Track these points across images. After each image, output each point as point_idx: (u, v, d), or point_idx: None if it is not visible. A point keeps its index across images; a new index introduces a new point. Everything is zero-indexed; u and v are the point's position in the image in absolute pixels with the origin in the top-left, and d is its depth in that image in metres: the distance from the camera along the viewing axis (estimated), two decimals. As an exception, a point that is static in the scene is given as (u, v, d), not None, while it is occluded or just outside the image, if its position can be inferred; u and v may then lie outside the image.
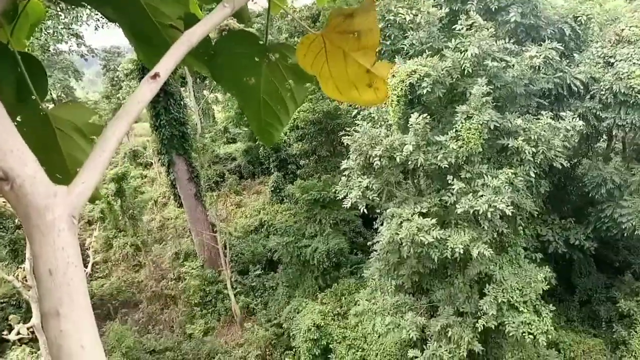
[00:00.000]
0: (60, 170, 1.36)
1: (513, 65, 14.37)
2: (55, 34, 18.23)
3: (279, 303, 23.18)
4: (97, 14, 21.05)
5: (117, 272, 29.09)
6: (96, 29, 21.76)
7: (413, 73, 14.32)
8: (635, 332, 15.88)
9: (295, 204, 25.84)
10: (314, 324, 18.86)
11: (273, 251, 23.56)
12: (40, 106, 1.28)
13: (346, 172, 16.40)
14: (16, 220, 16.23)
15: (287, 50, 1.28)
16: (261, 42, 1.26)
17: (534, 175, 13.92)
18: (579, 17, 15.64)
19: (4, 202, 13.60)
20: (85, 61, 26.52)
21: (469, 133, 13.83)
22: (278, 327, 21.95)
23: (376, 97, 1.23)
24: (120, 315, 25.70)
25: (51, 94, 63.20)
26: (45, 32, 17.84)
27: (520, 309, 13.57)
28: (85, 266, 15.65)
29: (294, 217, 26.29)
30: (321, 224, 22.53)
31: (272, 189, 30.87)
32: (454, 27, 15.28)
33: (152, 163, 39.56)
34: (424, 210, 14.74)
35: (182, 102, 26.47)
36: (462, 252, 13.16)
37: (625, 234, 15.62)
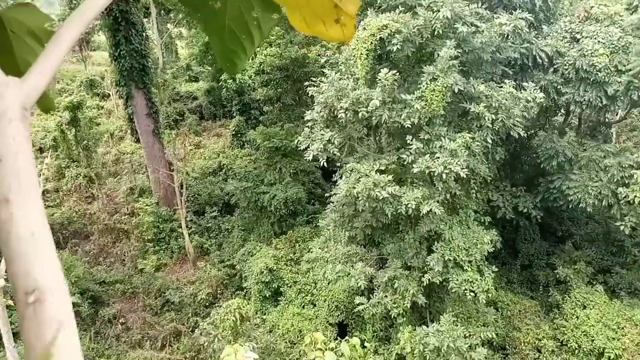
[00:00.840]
0: (13, 74, 1.35)
1: (482, 31, 14.46)
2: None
3: (233, 245, 23.45)
4: None
5: (69, 203, 28.46)
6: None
7: (384, 28, 14.21)
8: (569, 297, 17.02)
9: (256, 150, 25.74)
10: (267, 267, 19.26)
11: (230, 195, 23.59)
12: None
13: (309, 124, 16.36)
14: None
15: None
16: None
17: (490, 142, 14.31)
18: (551, -12, 15.77)
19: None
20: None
21: (432, 94, 13.99)
22: (231, 268, 22.31)
23: (342, 34, 1.19)
24: (71, 246, 25.39)
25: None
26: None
27: (465, 268, 14.26)
28: (35, 194, 15.25)
29: (254, 163, 26.23)
30: (281, 172, 22.62)
31: (234, 132, 30.52)
32: (429, -17, 15.10)
33: (109, 94, 38.16)
34: (382, 168, 15.00)
35: (144, 34, 25.46)
36: (414, 208, 13.55)
37: (570, 206, 16.43)
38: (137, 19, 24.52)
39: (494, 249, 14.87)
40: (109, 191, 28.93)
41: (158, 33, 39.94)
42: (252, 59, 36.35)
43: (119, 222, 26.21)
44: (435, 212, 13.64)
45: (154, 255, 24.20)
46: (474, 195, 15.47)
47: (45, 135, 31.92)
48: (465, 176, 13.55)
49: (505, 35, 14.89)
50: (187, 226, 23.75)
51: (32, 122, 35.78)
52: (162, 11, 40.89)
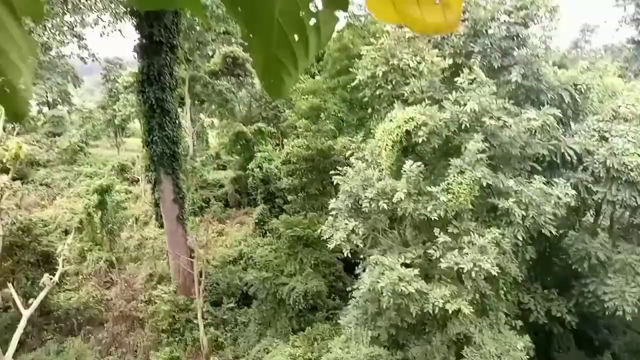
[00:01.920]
0: None
1: (510, 126, 14.30)
2: (58, 34, 18.01)
3: (249, 340, 22.39)
4: (104, 20, 20.98)
5: (87, 287, 28.09)
6: (101, 35, 21.64)
7: (411, 120, 14.22)
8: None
9: (277, 239, 25.35)
10: (283, 366, 18.12)
11: (249, 285, 22.93)
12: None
13: (333, 212, 16.04)
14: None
15: None
16: None
17: (521, 239, 13.64)
18: (579, 85, 15.72)
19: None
20: (85, 64, 26.26)
21: (460, 188, 13.62)
22: (245, 365, 21.13)
23: (444, 18, 0.91)
24: (84, 333, 24.75)
25: (47, 97, 63.10)
26: (49, 31, 17.62)
27: (497, 377, 13.03)
28: (54, 274, 15.02)
29: (274, 252, 25.73)
30: (302, 263, 22.02)
31: (257, 221, 30.38)
32: (455, 79, 15.29)
33: (138, 180, 39.03)
34: (408, 261, 14.37)
35: (177, 121, 26.27)
36: (442, 307, 12.72)
37: (607, 313, 15.22)
38: (172, 107, 25.41)
39: (527, 357, 13.66)
40: (129, 277, 28.58)
41: (191, 122, 41.46)
42: (279, 149, 37.19)
43: (135, 310, 25.57)
44: (464, 313, 12.75)
45: (167, 347, 23.21)
46: (505, 296, 14.53)
47: (72, 217, 32.34)
48: (495, 274, 12.79)
49: (534, 131, 14.70)
50: (203, 317, 22.94)
51: (60, 204, 36.59)
52: (196, 101, 42.74)
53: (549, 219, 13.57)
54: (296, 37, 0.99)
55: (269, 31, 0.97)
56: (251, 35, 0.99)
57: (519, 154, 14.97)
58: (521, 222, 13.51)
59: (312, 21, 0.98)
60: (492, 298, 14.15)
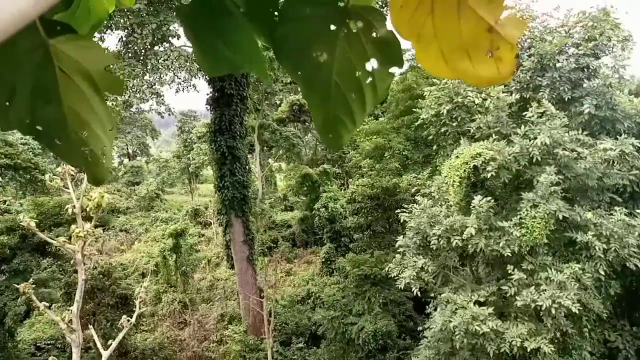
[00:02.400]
0: (56, 128, 1.08)
1: (585, 157, 13.80)
2: (138, 92, 19.62)
3: (318, 381, 22.12)
4: (180, 77, 22.61)
5: (162, 328, 29.04)
6: (177, 92, 23.36)
7: (478, 156, 14.06)
8: None
9: (345, 278, 25.24)
10: (353, 409, 17.71)
11: (318, 325, 22.83)
12: (41, 32, 0.97)
13: (400, 250, 15.92)
14: (71, 262, 16.74)
15: (374, 17, 0.97)
16: (341, 3, 0.96)
17: (603, 274, 12.88)
18: (657, 113, 15.02)
19: (64, 241, 14.08)
20: (162, 118, 28.13)
21: (534, 222, 13.18)
22: (315, 408, 20.82)
23: (497, 71, 0.89)
24: (159, 373, 25.37)
25: (127, 149, 67.54)
26: (130, 90, 19.25)
27: (584, 423, 12.13)
28: (131, 316, 15.72)
29: (342, 291, 25.58)
30: (370, 302, 21.74)
31: (323, 260, 30.48)
32: (523, 113, 15.06)
33: (211, 223, 40.45)
34: (481, 299, 13.90)
35: (247, 167, 27.24)
36: (520, 345, 12.14)
37: None
38: (242, 154, 26.46)
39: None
40: (201, 317, 29.27)
41: (260, 166, 42.87)
42: (344, 189, 37.49)
43: (207, 350, 26.03)
44: (544, 352, 12.08)
45: (239, 387, 23.38)
46: (588, 334, 13.65)
47: (149, 261, 33.87)
48: (577, 312, 12.10)
49: (611, 162, 14.09)
50: (272, 357, 22.97)
51: (138, 248, 38.45)
52: (265, 147, 44.27)
53: (634, 251, 12.78)
54: (353, 95, 1.04)
55: (327, 91, 1.03)
56: (311, 96, 1.05)
57: (597, 186, 14.34)
58: (602, 255, 12.81)
59: (369, 80, 1.02)
60: (575, 336, 13.33)
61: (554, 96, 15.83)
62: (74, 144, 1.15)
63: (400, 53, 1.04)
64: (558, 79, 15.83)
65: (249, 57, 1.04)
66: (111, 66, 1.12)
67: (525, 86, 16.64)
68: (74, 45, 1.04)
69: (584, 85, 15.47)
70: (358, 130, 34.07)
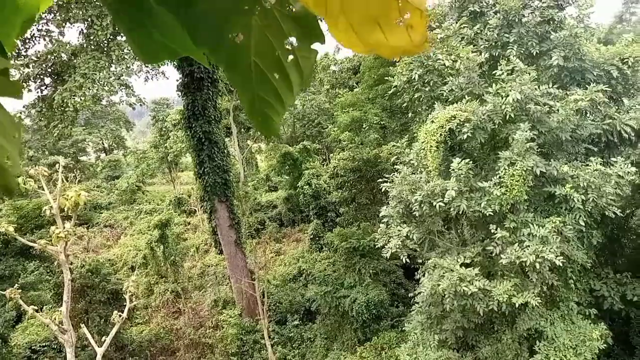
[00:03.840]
0: None
1: (557, 110, 13.87)
2: (107, 85, 19.16)
3: (316, 355, 22.43)
4: (147, 66, 22.10)
5: (157, 319, 29.10)
6: (146, 80, 22.81)
7: (452, 118, 14.06)
8: None
9: (334, 252, 25.44)
10: (353, 378, 18.04)
11: (311, 301, 23.07)
12: None
13: (385, 220, 16.00)
14: (55, 263, 16.59)
15: None
16: None
17: (584, 224, 13.10)
18: (626, 59, 15.07)
19: (45, 243, 13.90)
20: (133, 110, 27.63)
21: (512, 180, 13.30)
22: (315, 382, 21.17)
23: (410, 40, 0.86)
24: (158, 363, 25.52)
25: (103, 144, 66.47)
26: (97, 83, 18.79)
27: (575, 370, 12.49)
28: (123, 311, 15.68)
29: (332, 265, 25.82)
30: (360, 273, 21.97)
31: (312, 236, 30.63)
32: (494, 72, 15.04)
33: (195, 210, 40.27)
34: (467, 261, 14.11)
35: (225, 151, 27.02)
36: (507, 302, 12.39)
37: (688, 290, 14.36)
38: (219, 137, 26.21)
39: (605, 345, 13.02)
40: (195, 305, 29.38)
41: (239, 149, 42.56)
42: (326, 164, 37.46)
43: (204, 336, 26.20)
44: (532, 306, 12.35)
45: (238, 369, 23.64)
46: (574, 285, 13.96)
47: (137, 254, 33.71)
48: (561, 264, 12.34)
49: (584, 112, 14.20)
50: (269, 337, 23.21)
51: (124, 242, 38.23)
52: (242, 129, 43.90)
53: (612, 200, 12.99)
54: (276, 75, 1.00)
55: (248, 73, 0.99)
56: (234, 78, 1.01)
57: (571, 138, 14.47)
58: (582, 206, 13.00)
59: (290, 58, 0.99)
60: (561, 289, 13.63)
61: (522, 52, 15.81)
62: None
63: (318, 27, 0.99)
64: (525, 34, 15.79)
65: (184, 42, 0.98)
66: (8, 70, 1.06)
67: (493, 44, 16.59)
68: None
69: (551, 37, 15.46)
70: (334, 103, 33.90)
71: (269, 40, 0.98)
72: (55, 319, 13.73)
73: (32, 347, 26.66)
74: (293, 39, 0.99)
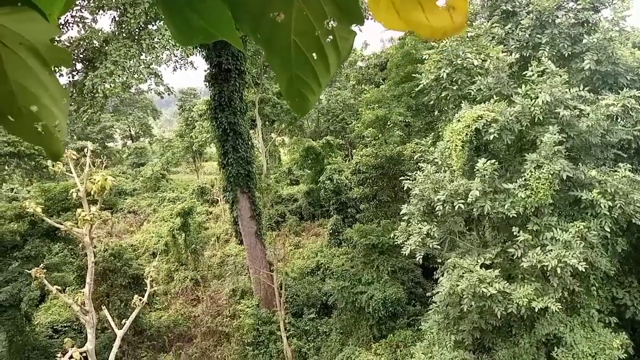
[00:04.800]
0: (6, 104, 1.06)
1: (588, 114, 13.61)
2: (136, 73, 19.47)
3: (331, 350, 22.51)
4: (176, 56, 22.38)
5: (176, 305, 29.56)
6: (174, 70, 23.14)
7: (479, 118, 13.91)
8: None
9: (353, 248, 25.44)
10: (367, 374, 18.07)
11: (328, 295, 23.15)
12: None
13: (406, 217, 15.95)
14: (80, 245, 16.96)
15: None
16: None
17: (609, 231, 12.86)
18: (661, 64, 14.72)
19: (71, 225, 14.23)
20: (161, 99, 28.03)
21: (538, 182, 13.11)
22: (329, 375, 21.26)
23: (451, 21, 0.87)
24: (175, 349, 25.90)
25: (130, 131, 67.54)
26: (127, 71, 19.10)
27: (593, 378, 12.30)
28: (143, 296, 15.98)
29: (350, 261, 25.84)
30: (378, 270, 21.94)
31: (331, 231, 30.68)
32: (524, 73, 14.82)
33: (217, 200, 40.68)
34: (488, 262, 13.97)
35: (250, 143, 27.20)
36: (527, 306, 12.24)
37: None
38: (244, 129, 26.38)
39: (625, 355, 12.77)
40: (213, 293, 29.73)
41: (263, 142, 42.79)
42: (348, 160, 37.42)
43: (221, 325, 26.51)
44: (552, 311, 12.18)
45: (253, 359, 23.85)
46: (596, 292, 13.72)
47: (159, 241, 34.23)
48: (584, 270, 12.13)
49: (614, 117, 13.92)
50: (285, 329, 23.37)
51: (147, 229, 38.82)
52: (267, 122, 44.09)
53: (639, 207, 12.73)
54: (315, 55, 1.01)
55: (287, 52, 1.00)
56: (272, 58, 1.03)
57: (600, 143, 14.20)
58: (608, 213, 12.76)
59: (329, 38, 1.00)
60: (583, 295, 13.42)
61: (554, 53, 15.55)
62: (25, 119, 1.13)
63: (359, 9, 1.01)
64: (557, 35, 15.53)
65: (220, 24, 1.01)
66: (54, 38, 1.10)
67: (524, 44, 16.36)
68: (14, 18, 1.01)
69: (584, 40, 15.16)
70: (359, 99, 33.83)
71: (310, 20, 0.99)
72: (77, 300, 14.03)
73: (54, 327, 27.37)
74: (333, 19, 1.00)
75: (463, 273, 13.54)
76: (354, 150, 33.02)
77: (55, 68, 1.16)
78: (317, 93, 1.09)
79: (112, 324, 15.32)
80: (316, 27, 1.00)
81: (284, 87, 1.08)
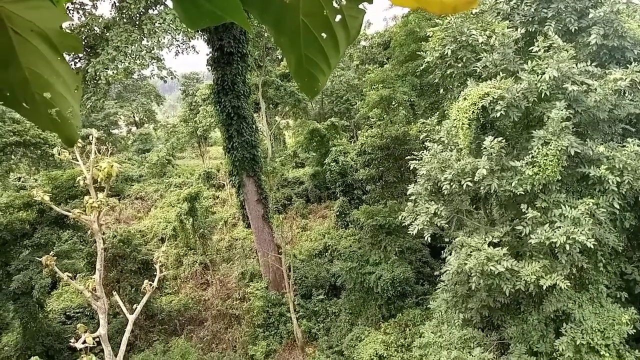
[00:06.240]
0: (21, 91, 1.07)
1: (595, 89, 13.45)
2: (138, 59, 19.37)
3: (341, 330, 22.75)
4: (178, 40, 22.23)
5: (186, 289, 29.87)
6: (176, 54, 22.99)
7: (486, 96, 13.78)
8: None
9: (360, 229, 25.52)
10: (377, 354, 18.29)
11: (336, 276, 23.30)
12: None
13: (412, 198, 15.94)
14: (89, 232, 17.07)
15: None
16: None
17: (617, 207, 12.80)
18: (670, 37, 14.47)
19: (79, 213, 14.31)
20: (164, 83, 27.91)
21: (546, 159, 13.03)
22: (339, 355, 21.49)
23: None
24: (186, 332, 26.26)
25: (134, 117, 67.52)
26: (130, 56, 19.01)
27: (602, 353, 12.37)
28: (153, 281, 16.13)
29: (358, 242, 25.94)
30: (386, 251, 22.03)
31: (337, 213, 30.76)
32: (530, 48, 14.62)
33: (224, 185, 40.78)
34: (496, 240, 13.98)
35: (254, 126, 27.14)
36: (535, 283, 12.27)
37: None
38: (248, 113, 26.32)
39: (634, 330, 12.82)
40: (222, 277, 29.99)
41: (267, 125, 42.69)
42: (354, 141, 37.31)
43: (231, 308, 26.79)
44: (560, 288, 12.21)
45: (264, 341, 24.12)
46: (604, 268, 13.72)
47: (166, 226, 34.42)
48: (592, 247, 12.12)
49: (622, 92, 13.74)
50: (295, 310, 23.60)
51: (154, 214, 38.99)
52: (271, 105, 43.93)
53: (648, 182, 12.64)
54: (324, 35, 1.00)
55: (296, 33, 1.00)
56: (281, 39, 1.02)
57: (608, 118, 14.05)
58: (616, 189, 12.69)
59: (338, 18, 0.99)
60: (591, 271, 13.43)
61: (560, 28, 15.30)
62: (40, 106, 1.13)
63: None
64: (563, 9, 15.25)
65: (228, 6, 1.00)
66: (64, 24, 1.09)
67: (530, 19, 16.10)
68: (25, 6, 1.01)
69: (590, 14, 14.90)
70: (364, 79, 33.57)
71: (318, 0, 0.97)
72: (89, 286, 14.17)
73: (67, 313, 27.75)
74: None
75: (471, 251, 13.57)
76: (359, 132, 32.95)
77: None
78: (326, 73, 1.08)
79: (124, 309, 15.49)
80: (324, 7, 0.99)
81: (293, 68, 1.08)
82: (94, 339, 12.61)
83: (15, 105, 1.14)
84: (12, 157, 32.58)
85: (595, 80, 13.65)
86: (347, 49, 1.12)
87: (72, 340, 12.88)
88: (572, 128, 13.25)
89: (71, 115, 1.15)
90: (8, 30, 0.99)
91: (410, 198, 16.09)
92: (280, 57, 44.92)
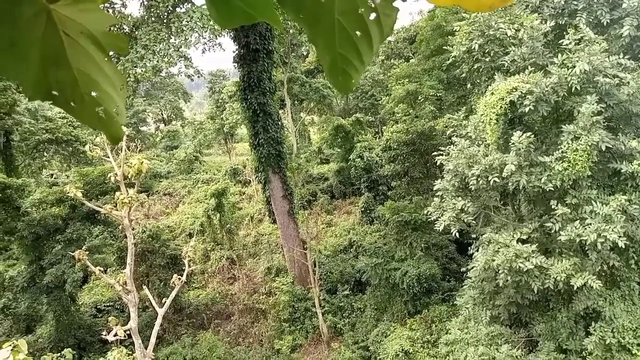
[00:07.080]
0: (70, 91, 1.11)
1: (628, 82, 13.11)
2: (166, 57, 19.70)
3: (366, 325, 22.77)
4: (205, 38, 22.50)
5: (213, 284, 30.29)
6: (203, 52, 23.30)
7: (514, 90, 13.57)
8: None
9: (385, 225, 25.44)
10: (402, 349, 18.27)
11: (362, 272, 23.30)
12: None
13: (439, 193, 15.82)
14: (119, 227, 17.44)
15: None
16: None
17: (652, 203, 12.48)
18: None
19: (110, 208, 14.64)
20: (191, 81, 28.29)
21: (576, 154, 12.77)
22: (365, 350, 21.52)
23: None
24: (214, 326, 26.65)
25: (162, 114, 68.59)
26: (158, 55, 19.34)
27: (634, 352, 12.11)
28: (182, 275, 16.42)
29: (383, 238, 25.87)
30: (412, 247, 21.93)
31: (362, 209, 30.71)
32: (560, 41, 14.32)
33: (250, 181, 41.14)
34: (524, 237, 13.78)
35: (279, 123, 27.28)
36: (565, 282, 12.07)
37: None
38: (273, 110, 26.46)
39: (669, 329, 12.51)
40: (249, 271, 30.32)
41: (292, 121, 42.80)
42: (379, 137, 37.15)
43: (258, 302, 27.08)
44: (590, 286, 11.98)
45: (290, 335, 24.32)
46: (635, 265, 13.40)
47: (194, 221, 34.91)
48: (623, 246, 11.84)
49: (656, 85, 13.36)
50: (320, 305, 23.71)
51: (182, 210, 39.53)
52: (296, 101, 44.01)
53: (683, 178, 12.29)
54: (358, 33, 1.01)
55: (331, 32, 1.01)
56: (316, 38, 1.03)
57: (641, 112, 13.69)
58: (650, 184, 12.39)
59: (372, 16, 1.00)
60: (622, 268, 13.13)
61: (591, 20, 14.93)
62: (87, 104, 1.19)
63: None
64: (595, 1, 14.90)
65: (260, 5, 1.02)
66: (111, 27, 1.15)
67: (560, 12, 15.75)
68: (75, 9, 1.06)
69: (623, 4, 14.50)
70: (389, 75, 33.37)
71: None
72: (119, 280, 14.49)
73: (98, 307, 28.47)
74: None
75: (499, 248, 13.42)
76: (384, 127, 32.77)
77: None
78: (360, 71, 1.09)
79: (153, 302, 15.81)
80: (360, 5, 1.00)
81: (327, 66, 1.09)
82: (125, 331, 12.91)
83: (63, 104, 1.20)
84: (45, 154, 33.51)
85: (628, 73, 13.32)
86: (380, 46, 1.15)
87: (104, 333, 13.21)
88: (604, 122, 12.95)
89: (117, 113, 1.20)
90: (60, 33, 1.04)
91: (436, 194, 15.99)
92: (305, 53, 45.02)
